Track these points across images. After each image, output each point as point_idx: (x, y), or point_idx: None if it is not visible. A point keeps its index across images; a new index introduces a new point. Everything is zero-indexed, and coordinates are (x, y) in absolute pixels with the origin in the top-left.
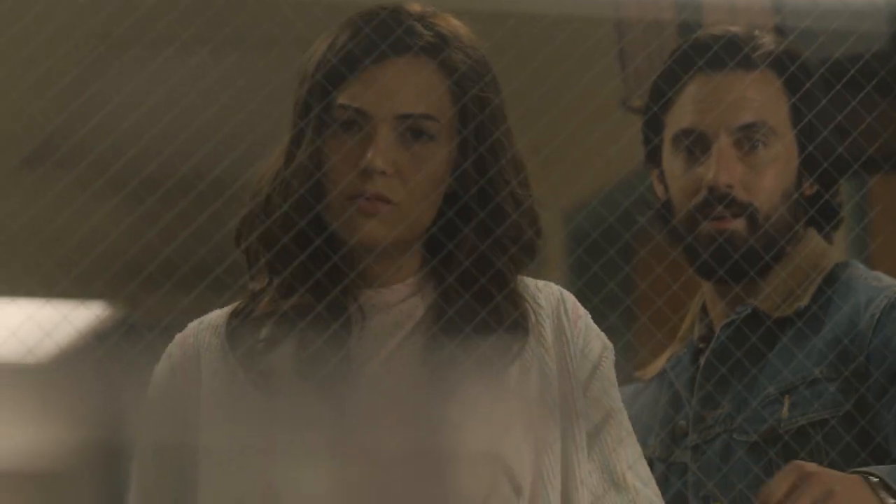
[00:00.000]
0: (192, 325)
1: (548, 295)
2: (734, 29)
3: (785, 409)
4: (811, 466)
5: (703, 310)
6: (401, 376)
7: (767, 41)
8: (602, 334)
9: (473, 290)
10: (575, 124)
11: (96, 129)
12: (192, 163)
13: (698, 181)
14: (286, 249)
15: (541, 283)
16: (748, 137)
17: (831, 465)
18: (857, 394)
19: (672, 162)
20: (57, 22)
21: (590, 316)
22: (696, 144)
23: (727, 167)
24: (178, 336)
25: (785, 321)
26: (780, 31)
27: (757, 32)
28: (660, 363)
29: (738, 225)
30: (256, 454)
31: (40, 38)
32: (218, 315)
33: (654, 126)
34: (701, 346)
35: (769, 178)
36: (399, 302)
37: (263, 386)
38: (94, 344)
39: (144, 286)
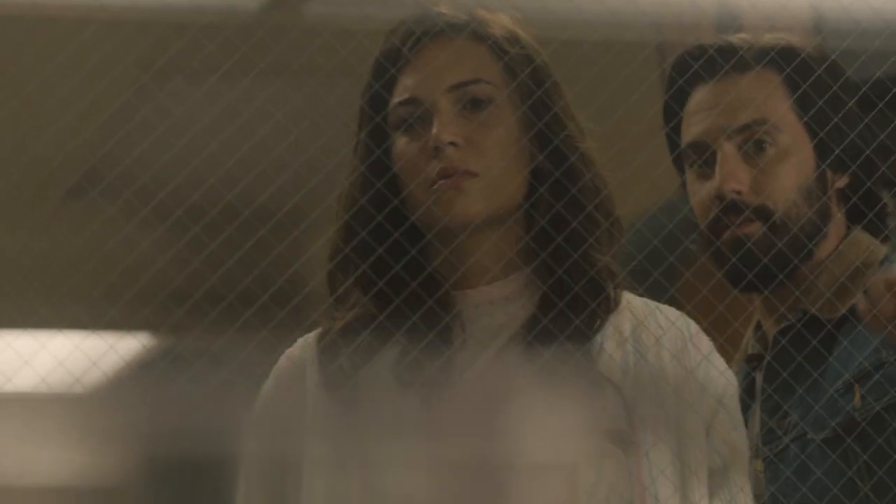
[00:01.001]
0: (299, 341)
1: (669, 317)
2: (732, 37)
3: (857, 398)
4: None
5: (757, 326)
6: (505, 381)
7: (763, 40)
8: (724, 364)
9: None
10: (618, 148)
11: (141, 158)
12: (237, 190)
13: (710, 193)
14: (379, 257)
15: (663, 306)
16: (751, 138)
17: None
18: None
19: (690, 178)
20: (101, 52)
21: (714, 348)
22: (703, 156)
23: (732, 173)
24: (286, 352)
25: (841, 320)
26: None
27: (756, 35)
28: None
29: (755, 228)
30: (358, 464)
31: (84, 68)
32: (314, 334)
33: (673, 146)
34: (754, 363)
35: (782, 177)
36: (503, 300)
37: (364, 395)
38: (140, 373)
39: (190, 315)
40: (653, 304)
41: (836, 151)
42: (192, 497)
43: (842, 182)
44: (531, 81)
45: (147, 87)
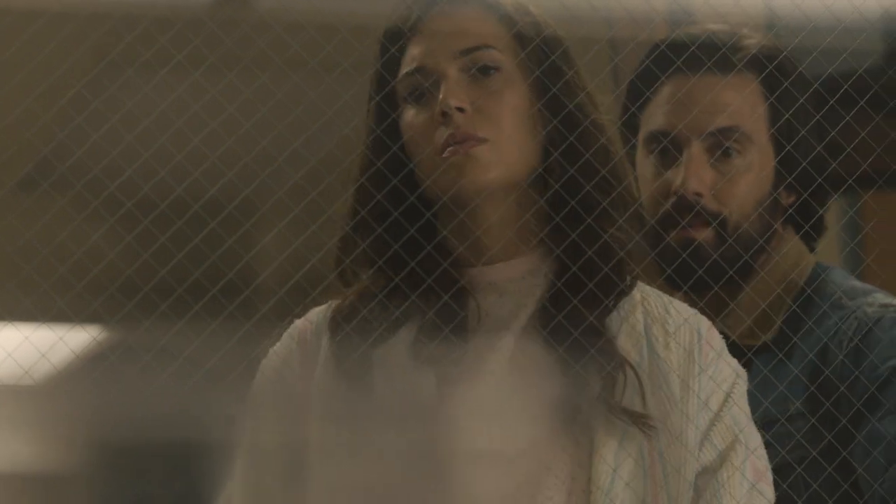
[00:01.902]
0: (315, 310)
1: (680, 312)
2: (718, 28)
3: None
4: None
5: None
6: (527, 361)
7: (750, 43)
8: (734, 361)
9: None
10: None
11: (92, 150)
12: (187, 183)
13: (667, 187)
14: (386, 235)
15: (676, 301)
16: (721, 143)
17: (809, 501)
18: (833, 428)
19: (643, 164)
20: (52, 43)
21: (725, 345)
22: (668, 148)
23: (697, 174)
24: (299, 320)
25: (760, 347)
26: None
27: (741, 33)
28: None
29: (706, 234)
30: (364, 450)
31: (35, 60)
32: (327, 307)
33: (629, 126)
34: None
35: (742, 187)
36: (519, 278)
37: (377, 372)
38: (90, 365)
39: (140, 308)
40: (666, 297)
41: (820, 181)
42: (140, 487)
43: (789, 199)
44: (540, 49)
45: (99, 79)
